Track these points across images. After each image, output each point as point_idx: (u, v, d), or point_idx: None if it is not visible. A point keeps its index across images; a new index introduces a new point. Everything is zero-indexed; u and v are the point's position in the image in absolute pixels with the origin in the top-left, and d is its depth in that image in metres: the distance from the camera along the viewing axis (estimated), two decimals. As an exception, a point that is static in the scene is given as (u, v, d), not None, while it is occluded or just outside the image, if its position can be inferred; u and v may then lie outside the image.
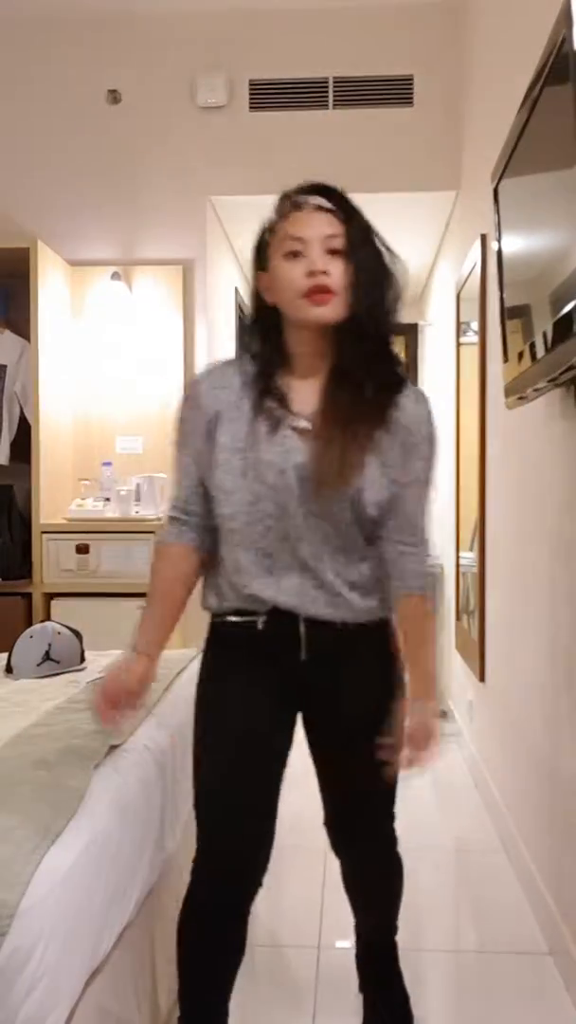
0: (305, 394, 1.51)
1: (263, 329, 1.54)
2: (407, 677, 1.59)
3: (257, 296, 1.54)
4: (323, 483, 1.44)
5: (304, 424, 1.48)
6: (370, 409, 1.48)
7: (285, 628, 1.52)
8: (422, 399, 1.55)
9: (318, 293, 1.43)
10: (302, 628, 1.52)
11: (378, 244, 1.49)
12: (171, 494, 1.61)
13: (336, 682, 1.56)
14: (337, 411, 1.47)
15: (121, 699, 1.53)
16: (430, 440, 1.55)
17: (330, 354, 1.50)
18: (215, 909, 1.54)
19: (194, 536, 1.57)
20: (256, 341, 1.56)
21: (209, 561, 1.59)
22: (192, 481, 1.56)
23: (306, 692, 1.58)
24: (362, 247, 1.47)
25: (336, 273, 1.44)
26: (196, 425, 1.53)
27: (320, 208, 1.48)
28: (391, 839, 1.76)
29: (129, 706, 1.54)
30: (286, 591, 1.50)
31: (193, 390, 1.55)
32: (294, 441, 1.47)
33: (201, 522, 1.57)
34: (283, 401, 1.50)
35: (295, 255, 1.45)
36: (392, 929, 1.87)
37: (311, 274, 1.43)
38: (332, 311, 1.45)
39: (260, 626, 1.52)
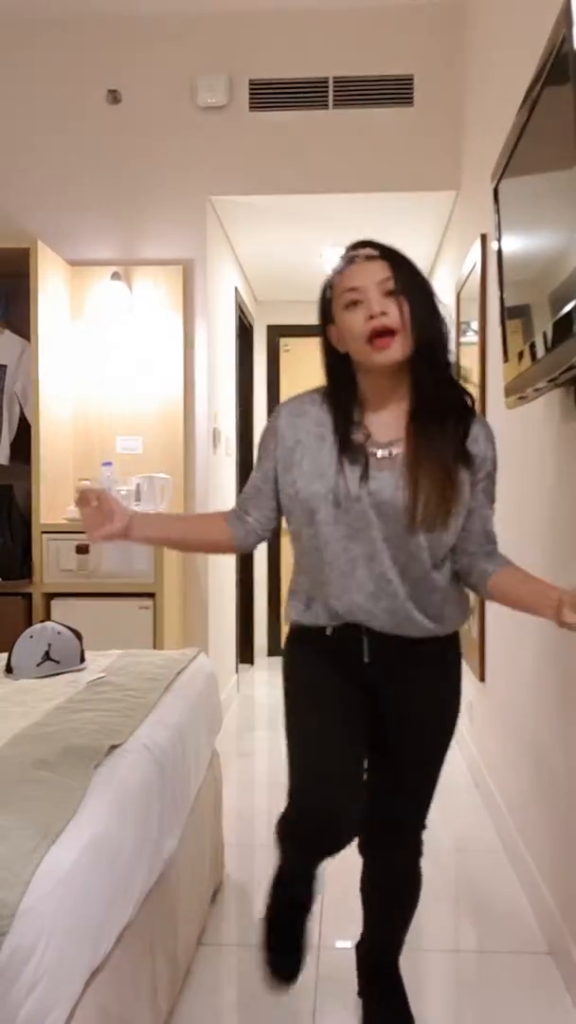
0: (383, 425, 1.63)
1: (337, 377, 1.67)
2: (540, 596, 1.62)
3: (327, 347, 1.67)
4: (423, 518, 1.57)
5: (384, 454, 1.61)
6: (455, 445, 1.61)
7: (350, 634, 1.66)
8: (487, 426, 1.70)
9: (380, 336, 1.54)
10: (365, 637, 1.65)
11: (426, 280, 1.62)
12: (240, 493, 1.78)
13: (397, 683, 1.69)
14: (430, 449, 1.59)
15: (92, 500, 1.62)
16: (495, 463, 1.71)
17: (402, 390, 1.63)
18: (309, 852, 1.70)
19: (239, 528, 1.75)
20: (331, 388, 1.68)
21: (295, 579, 1.74)
22: (253, 493, 1.73)
23: (370, 690, 1.70)
24: (413, 285, 1.58)
25: (393, 312, 1.55)
26: (271, 449, 1.68)
27: (369, 258, 1.59)
28: (419, 848, 1.83)
29: (93, 509, 1.63)
30: (358, 609, 1.63)
31: (275, 417, 1.70)
32: (376, 471, 1.59)
33: (250, 523, 1.74)
34: (364, 431, 1.62)
35: (354, 304, 1.57)
36: (400, 944, 1.89)
37: (371, 317, 1.54)
38: (397, 351, 1.56)
39: (328, 632, 1.68)
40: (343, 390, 1.65)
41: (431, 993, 2.07)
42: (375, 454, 1.60)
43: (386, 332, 1.54)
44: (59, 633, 2.47)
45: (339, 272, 1.61)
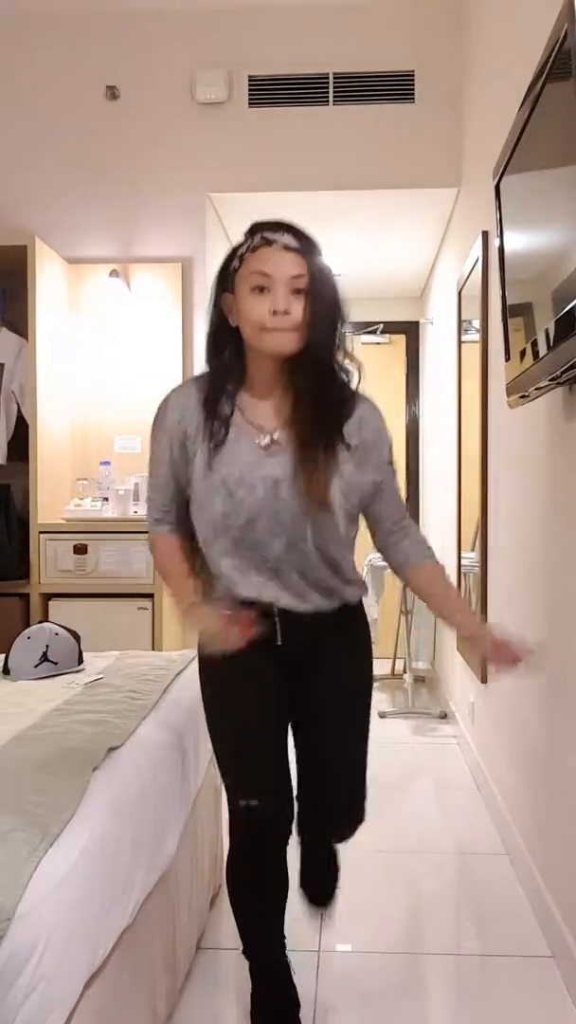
0: (264, 412, 1.68)
1: (222, 345, 1.69)
2: (457, 624, 1.78)
3: (219, 314, 1.67)
4: (303, 499, 1.61)
5: (267, 441, 1.65)
6: (330, 429, 1.65)
7: (262, 616, 1.66)
8: (372, 408, 1.72)
9: (277, 329, 1.58)
10: (276, 618, 1.68)
11: (334, 282, 1.63)
12: (150, 496, 1.78)
13: (313, 663, 1.74)
14: (305, 434, 1.63)
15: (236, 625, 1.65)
16: (387, 441, 1.74)
17: (285, 377, 1.66)
18: (258, 850, 1.76)
19: (172, 526, 1.77)
20: (215, 356, 1.70)
21: (199, 563, 1.75)
22: (166, 486, 1.75)
23: (288, 673, 1.74)
24: (321, 287, 1.60)
25: (296, 312, 1.58)
26: (165, 440, 1.71)
27: (288, 248, 1.59)
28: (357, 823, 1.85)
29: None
30: (257, 589, 1.67)
31: (162, 408, 1.72)
32: (261, 456, 1.64)
33: (176, 516, 1.76)
34: (245, 419, 1.67)
35: (261, 290, 1.58)
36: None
37: (274, 313, 1.57)
38: (290, 344, 1.60)
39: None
40: (226, 363, 1.67)
41: (433, 996, 2.06)
42: (262, 444, 1.64)
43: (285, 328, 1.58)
44: (57, 634, 2.45)
45: (253, 250, 1.60)
